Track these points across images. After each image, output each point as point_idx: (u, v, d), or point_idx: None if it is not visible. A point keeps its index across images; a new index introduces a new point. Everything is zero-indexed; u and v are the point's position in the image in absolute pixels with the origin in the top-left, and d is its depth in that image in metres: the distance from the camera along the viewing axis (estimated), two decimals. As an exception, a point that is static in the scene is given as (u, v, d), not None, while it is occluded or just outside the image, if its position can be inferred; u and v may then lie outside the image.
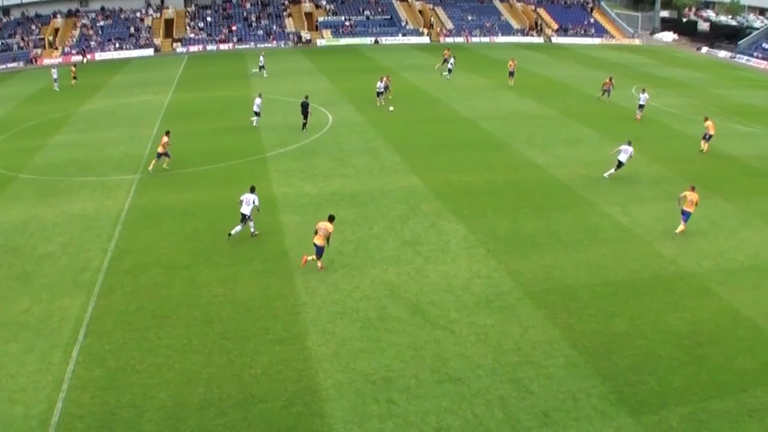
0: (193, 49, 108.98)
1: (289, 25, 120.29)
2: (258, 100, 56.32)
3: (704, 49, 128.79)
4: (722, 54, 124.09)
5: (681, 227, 36.78)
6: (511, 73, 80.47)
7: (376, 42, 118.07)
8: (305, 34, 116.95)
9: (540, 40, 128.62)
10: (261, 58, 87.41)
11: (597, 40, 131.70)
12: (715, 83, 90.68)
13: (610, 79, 70.81)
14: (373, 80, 71.06)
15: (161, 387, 23.02)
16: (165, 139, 45.26)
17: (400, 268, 31.70)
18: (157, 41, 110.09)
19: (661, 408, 22.79)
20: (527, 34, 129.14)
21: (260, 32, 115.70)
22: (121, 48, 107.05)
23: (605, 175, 45.53)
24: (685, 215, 36.87)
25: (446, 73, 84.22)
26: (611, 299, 29.64)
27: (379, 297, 29.03)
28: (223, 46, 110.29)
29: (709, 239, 36.87)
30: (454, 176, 44.45)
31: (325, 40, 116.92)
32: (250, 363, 24.38)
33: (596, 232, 36.86)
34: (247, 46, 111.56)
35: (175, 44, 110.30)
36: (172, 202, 39.47)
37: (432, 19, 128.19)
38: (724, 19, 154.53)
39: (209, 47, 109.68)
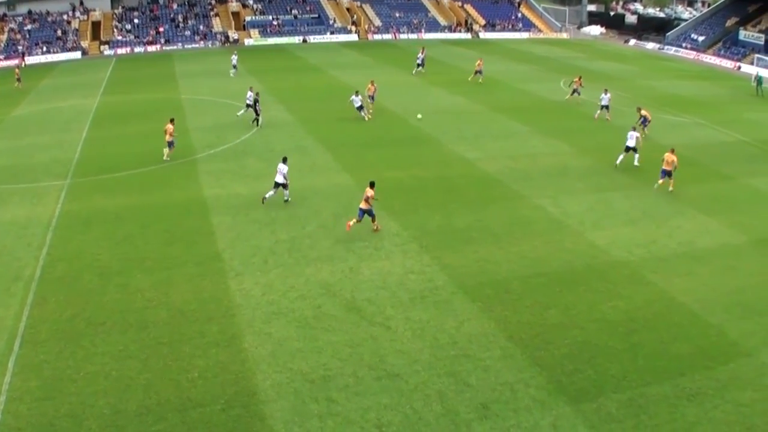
0: (121, 51, 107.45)
1: (217, 25, 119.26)
2: (249, 93, 56.08)
3: (632, 42, 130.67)
4: (650, 46, 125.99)
5: (659, 181, 42.36)
6: (479, 71, 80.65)
7: (305, 41, 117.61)
8: (233, 34, 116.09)
9: (468, 36, 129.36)
10: (233, 57, 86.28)
11: (525, 35, 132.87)
12: (644, 75, 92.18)
13: (579, 78, 70.37)
14: (303, 79, 71.15)
15: (99, 395, 22.73)
16: (170, 127, 46.87)
17: (334, 266, 31.72)
18: (85, 44, 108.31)
19: (599, 395, 23.16)
20: (455, 30, 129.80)
21: (188, 33, 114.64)
22: (48, 52, 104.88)
23: (617, 162, 47.65)
24: (663, 173, 42.49)
25: (419, 68, 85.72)
26: (545, 290, 30.05)
27: (314, 296, 29.02)
28: (151, 48, 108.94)
29: (641, 228, 37.54)
30: (385, 173, 44.56)
31: (253, 39, 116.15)
32: (187, 367, 24.21)
33: (528, 224, 37.30)
34: (175, 47, 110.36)
35: (102, 47, 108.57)
36: (103, 206, 38.98)
37: (355, 16, 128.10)
38: (652, 11, 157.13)
39: (137, 49, 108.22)
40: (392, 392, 22.97)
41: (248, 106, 57.96)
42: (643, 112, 55.67)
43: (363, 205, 34.88)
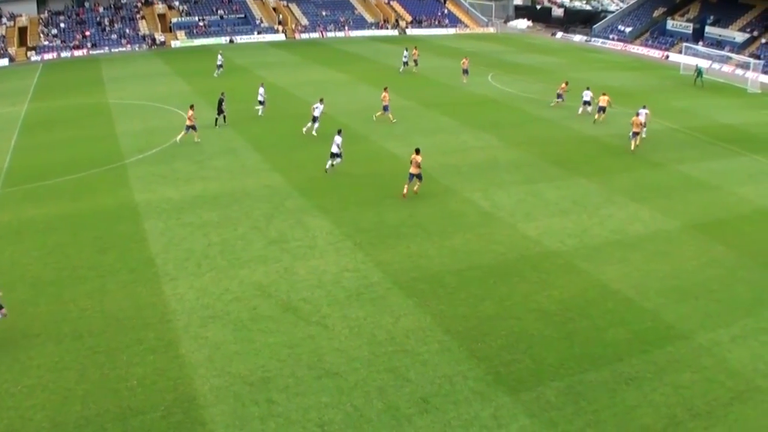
0: (48, 56, 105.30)
1: (143, 27, 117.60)
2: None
3: (559, 35, 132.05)
4: (577, 38, 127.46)
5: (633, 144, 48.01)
6: (465, 71, 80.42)
7: (231, 41, 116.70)
8: (159, 36, 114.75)
9: (395, 32, 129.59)
10: (219, 56, 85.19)
11: (451, 30, 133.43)
12: (572, 67, 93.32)
13: (566, 84, 68.89)
14: (230, 80, 70.60)
15: (37, 408, 22.29)
16: (190, 112, 51.01)
17: (268, 267, 31.61)
18: (12, 51, 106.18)
19: (538, 384, 23.46)
20: (381, 27, 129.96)
21: (114, 36, 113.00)
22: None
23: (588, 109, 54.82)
24: (633, 135, 50.48)
25: (406, 66, 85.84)
26: (479, 283, 30.31)
27: (250, 298, 28.89)
28: (78, 53, 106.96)
29: (572, 218, 38.06)
30: (315, 172, 44.59)
31: (180, 41, 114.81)
32: (125, 375, 23.90)
33: (460, 218, 37.57)
34: (102, 51, 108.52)
35: (29, 53, 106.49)
36: (33, 216, 38.22)
37: (281, 15, 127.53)
38: (579, 4, 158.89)
39: (63, 54, 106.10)
40: (332, 391, 22.97)
41: (261, 102, 60.77)
42: (604, 98, 59.69)
43: (413, 170, 39.80)
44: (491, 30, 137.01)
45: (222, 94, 58.13)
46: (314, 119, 53.48)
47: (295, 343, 25.66)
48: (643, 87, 78.58)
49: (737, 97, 78.63)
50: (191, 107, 52.32)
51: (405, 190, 40.57)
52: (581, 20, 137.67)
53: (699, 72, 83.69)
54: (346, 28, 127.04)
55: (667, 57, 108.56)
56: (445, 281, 30.41)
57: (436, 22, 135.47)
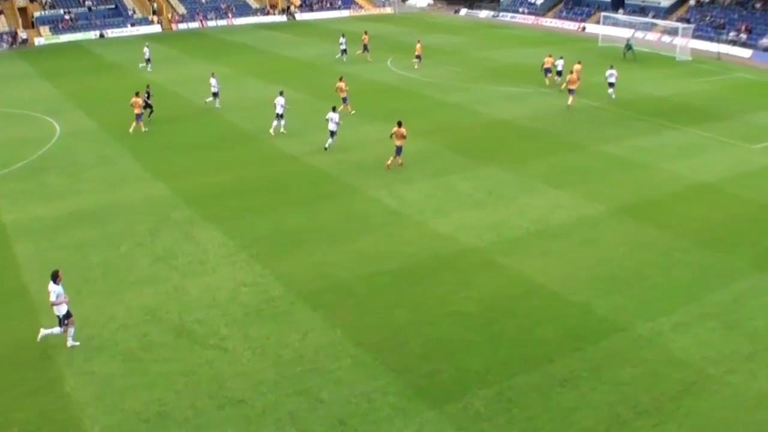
0: None
1: (2, 24, 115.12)
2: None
3: (463, 11, 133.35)
4: (483, 14, 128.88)
5: (570, 101, 53.71)
6: (365, 47, 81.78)
7: (102, 36, 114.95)
8: (21, 33, 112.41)
9: (283, 18, 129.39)
10: (146, 49, 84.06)
11: (345, 13, 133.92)
12: (478, 45, 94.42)
13: (579, 63, 67.68)
14: (103, 79, 69.80)
15: None
16: (136, 100, 54.82)
17: (156, 287, 31.23)
18: None
19: (464, 394, 23.62)
20: (268, 13, 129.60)
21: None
22: None
23: (611, 92, 58.46)
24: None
25: (345, 53, 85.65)
26: (391, 289, 30.49)
27: (139, 324, 28.49)
28: None
29: (487, 210, 38.52)
30: (203, 178, 44.34)
31: (44, 38, 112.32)
32: (6, 423, 23.24)
33: (365, 219, 37.74)
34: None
35: None
36: None
37: (156, 4, 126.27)
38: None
39: None
40: (238, 420, 22.81)
41: (214, 94, 63.02)
42: (576, 67, 62.96)
43: (398, 143, 44.19)
44: (389, 10, 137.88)
45: (148, 86, 59.12)
46: (278, 116, 53.81)
47: (193, 370, 25.43)
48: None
49: (665, 67, 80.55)
50: (136, 94, 54.95)
51: (389, 161, 44.88)
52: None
53: (629, 46, 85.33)
54: (229, 15, 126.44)
55: (584, 29, 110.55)
56: (353, 289, 30.47)
57: (328, 5, 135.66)
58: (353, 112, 58.48)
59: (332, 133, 48.57)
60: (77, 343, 26.99)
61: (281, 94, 54.27)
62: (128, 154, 49.78)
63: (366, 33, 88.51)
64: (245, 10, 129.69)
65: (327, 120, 48.73)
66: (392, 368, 25.07)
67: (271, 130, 53.83)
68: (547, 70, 70.29)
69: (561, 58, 69.03)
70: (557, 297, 29.57)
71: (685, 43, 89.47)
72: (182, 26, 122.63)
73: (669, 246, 34.26)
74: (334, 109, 49.03)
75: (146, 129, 55.44)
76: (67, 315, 26.66)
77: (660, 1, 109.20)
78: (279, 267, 32.63)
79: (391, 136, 44.65)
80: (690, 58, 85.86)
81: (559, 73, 67.99)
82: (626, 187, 41.73)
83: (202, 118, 59.21)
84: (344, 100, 58.44)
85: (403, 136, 44.05)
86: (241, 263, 33.16)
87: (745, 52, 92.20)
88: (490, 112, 58.25)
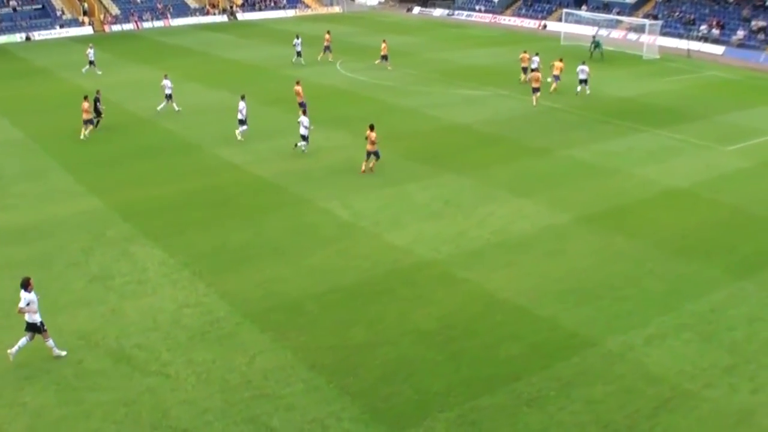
0: None
1: None
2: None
3: (416, 10, 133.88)
4: (438, 13, 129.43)
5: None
6: (327, 48, 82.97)
7: (29, 38, 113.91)
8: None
9: (224, 18, 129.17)
10: (90, 51, 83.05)
11: (290, 13, 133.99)
12: (433, 46, 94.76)
13: (560, 60, 69.98)
14: (30, 86, 69.18)
15: None
16: (85, 104, 55.09)
17: (92, 310, 30.88)
18: None
19: (425, 417, 23.57)
20: (208, 13, 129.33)
21: None
22: None
23: (579, 89, 60.08)
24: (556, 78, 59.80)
25: (300, 56, 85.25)
26: (345, 306, 30.43)
27: (73, 350, 28.11)
28: None
29: (446, 221, 38.57)
30: (140, 191, 43.99)
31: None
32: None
33: (316, 232, 37.66)
34: None
35: None
36: None
37: (86, 5, 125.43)
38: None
39: None
40: (182, 451, 22.71)
41: (168, 96, 62.75)
42: (557, 64, 65.41)
43: (369, 148, 45.21)
44: (337, 9, 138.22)
45: (97, 92, 58.62)
46: (240, 122, 54.15)
47: (133, 399, 25.17)
48: (516, 64, 79.99)
49: (632, 66, 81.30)
50: (85, 98, 55.13)
51: (363, 168, 45.90)
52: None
53: (596, 44, 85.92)
54: (168, 16, 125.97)
55: (545, 27, 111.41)
56: (304, 308, 30.35)
57: (272, 4, 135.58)
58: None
59: (304, 137, 49.84)
60: (63, 353, 27.26)
61: (243, 98, 54.36)
62: (59, 167, 49.29)
63: (328, 33, 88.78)
64: (183, 10, 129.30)
65: (298, 123, 49.86)
66: (347, 392, 24.98)
67: (239, 136, 54.11)
68: (524, 69, 71.51)
69: (537, 54, 69.67)
70: (522, 312, 29.63)
71: (653, 41, 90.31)
72: (116, 28, 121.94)
73: (640, 255, 34.51)
74: (304, 113, 50.04)
75: (85, 137, 55.23)
76: (42, 324, 26.86)
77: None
78: (224, 285, 32.43)
79: (366, 139, 45.53)
80: (658, 57, 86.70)
81: (535, 70, 68.69)
82: (594, 194, 41.98)
83: (138, 126, 58.79)
84: (301, 105, 58.06)
85: (373, 141, 44.93)
86: (183, 282, 32.92)
87: (717, 49, 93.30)
88: (447, 116, 58.41)
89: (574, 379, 25.28)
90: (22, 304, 26.34)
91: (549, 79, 67.49)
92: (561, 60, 67.31)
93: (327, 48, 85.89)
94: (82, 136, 54.88)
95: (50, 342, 27.04)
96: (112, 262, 35.02)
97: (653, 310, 29.67)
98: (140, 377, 26.30)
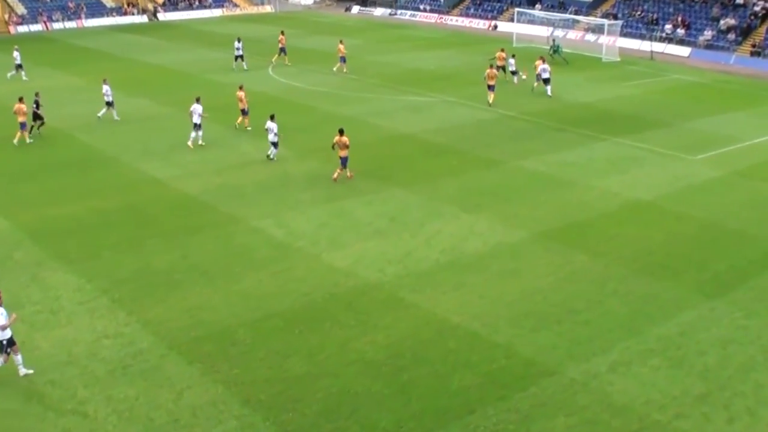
0: None
1: None
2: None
3: (355, 9, 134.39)
4: (379, 12, 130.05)
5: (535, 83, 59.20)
6: (282, 50, 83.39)
7: None
8: None
9: (144, 19, 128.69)
10: (15, 54, 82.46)
11: (217, 12, 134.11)
12: (374, 49, 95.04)
13: (502, 51, 74.57)
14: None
15: None
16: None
17: (-1, 343, 30.63)
18: None
19: (372, 456, 23.56)
20: (126, 13, 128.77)
21: None
22: None
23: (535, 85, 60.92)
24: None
25: (241, 60, 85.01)
26: (282, 335, 30.28)
27: (-23, 388, 27.94)
28: None
29: (391, 239, 38.59)
30: (51, 210, 43.54)
31: None
32: None
33: (248, 254, 37.51)
34: None
35: None
36: None
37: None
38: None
39: None
40: (103, 500, 22.51)
41: (108, 104, 62.64)
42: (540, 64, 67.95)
43: (342, 154, 46.40)
44: (268, 9, 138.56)
45: (36, 94, 58.74)
46: (196, 126, 54.58)
47: (46, 441, 24.99)
48: (466, 67, 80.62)
49: (590, 70, 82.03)
50: (20, 100, 56.01)
51: (335, 175, 46.95)
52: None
53: (556, 49, 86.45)
54: (81, 16, 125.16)
55: (496, 27, 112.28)
56: (237, 337, 30.16)
57: (197, 3, 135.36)
58: (249, 128, 58.30)
59: (274, 144, 51.52)
60: (31, 371, 27.45)
61: (198, 101, 54.60)
62: (-42, 183, 48.78)
63: (282, 33, 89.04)
64: (99, 10, 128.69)
65: (266, 130, 51.23)
66: (286, 429, 24.87)
67: (189, 143, 54.32)
68: (500, 68, 72.84)
69: (513, 56, 71.12)
70: (476, 338, 29.65)
71: (613, 42, 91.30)
72: (22, 29, 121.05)
73: (602, 275, 34.73)
74: (272, 118, 51.08)
75: (31, 140, 56.52)
76: (11, 341, 27.27)
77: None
78: (147, 314, 32.12)
79: (333, 147, 46.47)
80: (619, 59, 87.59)
81: (514, 73, 71.10)
82: (551, 209, 42.21)
83: (50, 138, 58.20)
84: (243, 112, 58.75)
85: (346, 146, 46.11)
86: (101, 311, 32.56)
87: (683, 51, 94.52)
88: (390, 125, 58.54)
89: (533, 411, 25.31)
90: (2, 321, 26.91)
91: (524, 77, 71.14)
92: (542, 59, 69.17)
93: (282, 50, 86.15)
94: (15, 141, 55.69)
95: (20, 357, 27.38)
96: (20, 289, 34.54)
97: (617, 334, 29.81)
98: (54, 417, 25.98)
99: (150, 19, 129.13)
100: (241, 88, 59.61)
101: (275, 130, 50.84)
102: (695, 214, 41.87)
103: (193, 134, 54.29)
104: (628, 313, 31.46)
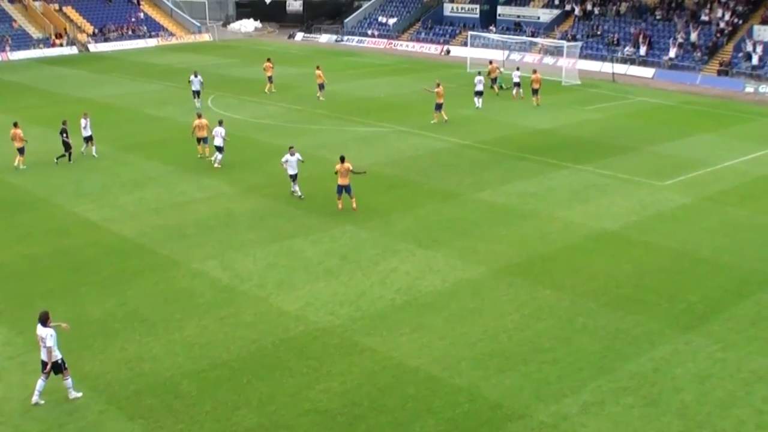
0: None
1: None
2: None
3: (299, 36, 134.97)
4: (324, 39, 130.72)
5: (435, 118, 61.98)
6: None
7: None
8: None
9: (73, 50, 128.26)
10: None
11: (152, 42, 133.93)
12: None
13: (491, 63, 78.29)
14: None
15: None
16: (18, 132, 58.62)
17: None
18: None
19: None
20: (53, 45, 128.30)
21: None
22: None
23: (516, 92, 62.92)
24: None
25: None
26: (229, 385, 29.96)
27: None
28: None
29: (342, 279, 38.43)
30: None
31: None
32: None
33: (190, 299, 37.22)
34: None
35: None
36: None
37: None
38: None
39: None
40: None
41: (87, 139, 62.71)
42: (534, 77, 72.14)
43: (342, 181, 47.34)
44: (206, 37, 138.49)
45: (64, 123, 60.20)
46: (218, 149, 57.36)
47: None
48: (416, 95, 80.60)
49: (549, 94, 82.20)
50: (15, 125, 59.07)
51: (340, 205, 48.10)
52: (327, 14, 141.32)
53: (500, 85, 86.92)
54: (7, 48, 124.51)
55: (448, 52, 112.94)
56: (181, 389, 29.82)
57: (130, 32, 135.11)
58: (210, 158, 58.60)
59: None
60: (80, 394, 28.36)
61: (220, 124, 56.76)
62: None
63: (269, 60, 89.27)
64: (24, 42, 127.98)
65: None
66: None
67: (216, 164, 56.77)
68: (493, 80, 76.57)
69: (517, 69, 72.77)
70: (437, 382, 29.49)
71: (572, 65, 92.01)
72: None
73: (570, 310, 34.72)
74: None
75: (24, 167, 58.64)
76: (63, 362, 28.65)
77: (539, 15, 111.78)
78: (83, 367, 31.63)
79: (336, 173, 47.21)
80: (579, 82, 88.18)
81: (517, 84, 74.49)
82: (512, 242, 42.23)
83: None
84: (203, 141, 59.80)
85: (349, 172, 47.55)
86: (33, 365, 32.01)
87: (647, 72, 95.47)
88: (333, 157, 58.43)
89: (500, 458, 25.23)
90: (50, 342, 28.31)
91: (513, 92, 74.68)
92: (535, 72, 71.58)
93: (269, 78, 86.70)
94: (15, 164, 58.41)
95: (70, 380, 28.14)
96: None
97: (588, 372, 29.78)
98: (-15, 482, 25.68)
99: (80, 51, 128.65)
100: (199, 116, 60.05)
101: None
102: (665, 243, 42.01)
103: (217, 155, 56.86)
104: (599, 349, 31.43)
